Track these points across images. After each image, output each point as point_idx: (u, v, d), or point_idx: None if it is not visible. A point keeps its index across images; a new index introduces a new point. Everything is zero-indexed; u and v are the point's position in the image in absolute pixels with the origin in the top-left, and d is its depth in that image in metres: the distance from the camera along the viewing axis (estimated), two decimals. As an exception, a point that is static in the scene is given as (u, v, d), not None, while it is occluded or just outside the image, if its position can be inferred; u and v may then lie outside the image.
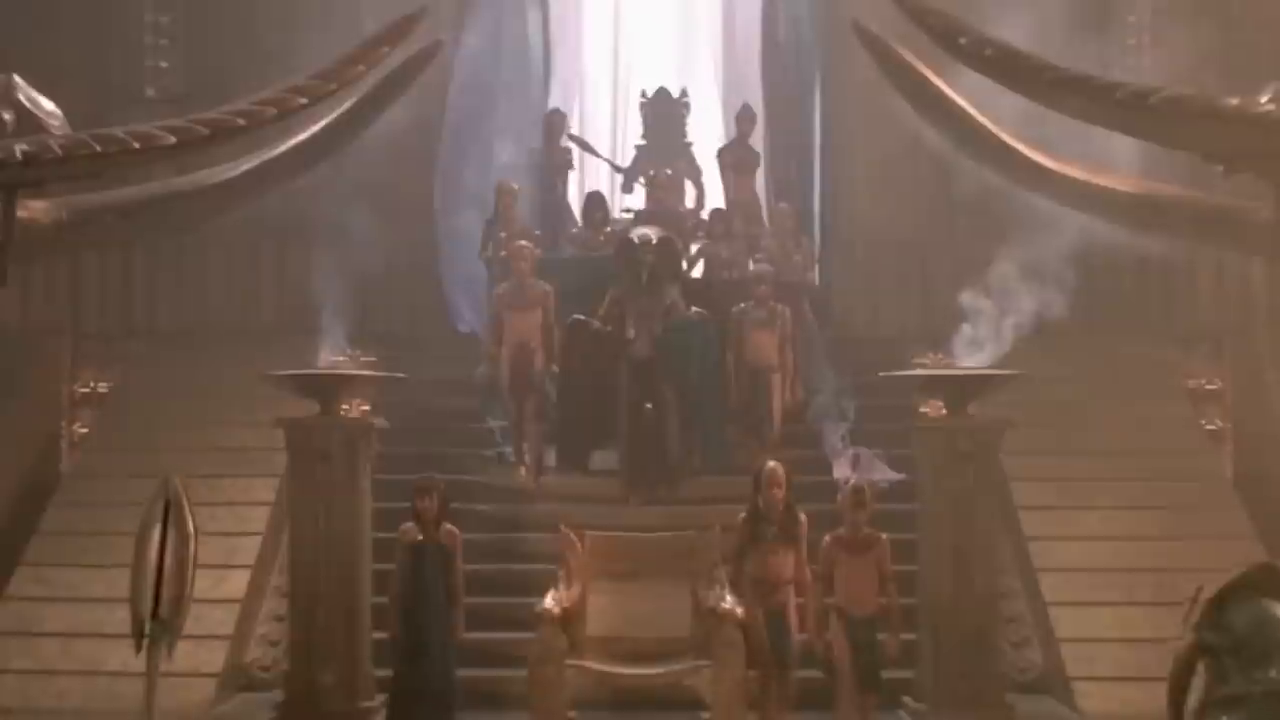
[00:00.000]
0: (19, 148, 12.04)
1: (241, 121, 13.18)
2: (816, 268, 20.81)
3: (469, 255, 20.48)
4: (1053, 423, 17.59)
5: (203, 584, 15.42)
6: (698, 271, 20.16)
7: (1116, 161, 14.84)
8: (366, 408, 16.70)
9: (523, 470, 17.92)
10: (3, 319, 18.92)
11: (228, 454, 17.56)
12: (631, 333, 17.31)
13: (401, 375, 16.48)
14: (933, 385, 15.52)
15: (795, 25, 21.92)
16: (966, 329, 15.28)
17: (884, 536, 13.60)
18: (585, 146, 22.83)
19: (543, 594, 13.33)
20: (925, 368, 17.33)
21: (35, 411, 19.76)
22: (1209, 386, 19.92)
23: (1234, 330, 20.18)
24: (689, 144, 22.55)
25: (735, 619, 12.44)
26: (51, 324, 20.38)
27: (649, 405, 17.23)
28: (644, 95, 22.82)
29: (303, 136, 15.96)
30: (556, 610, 12.58)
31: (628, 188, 22.37)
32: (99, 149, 12.27)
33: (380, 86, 16.03)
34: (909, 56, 15.95)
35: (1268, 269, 18.09)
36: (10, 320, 19.15)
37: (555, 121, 21.94)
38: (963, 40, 13.79)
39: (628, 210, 21.72)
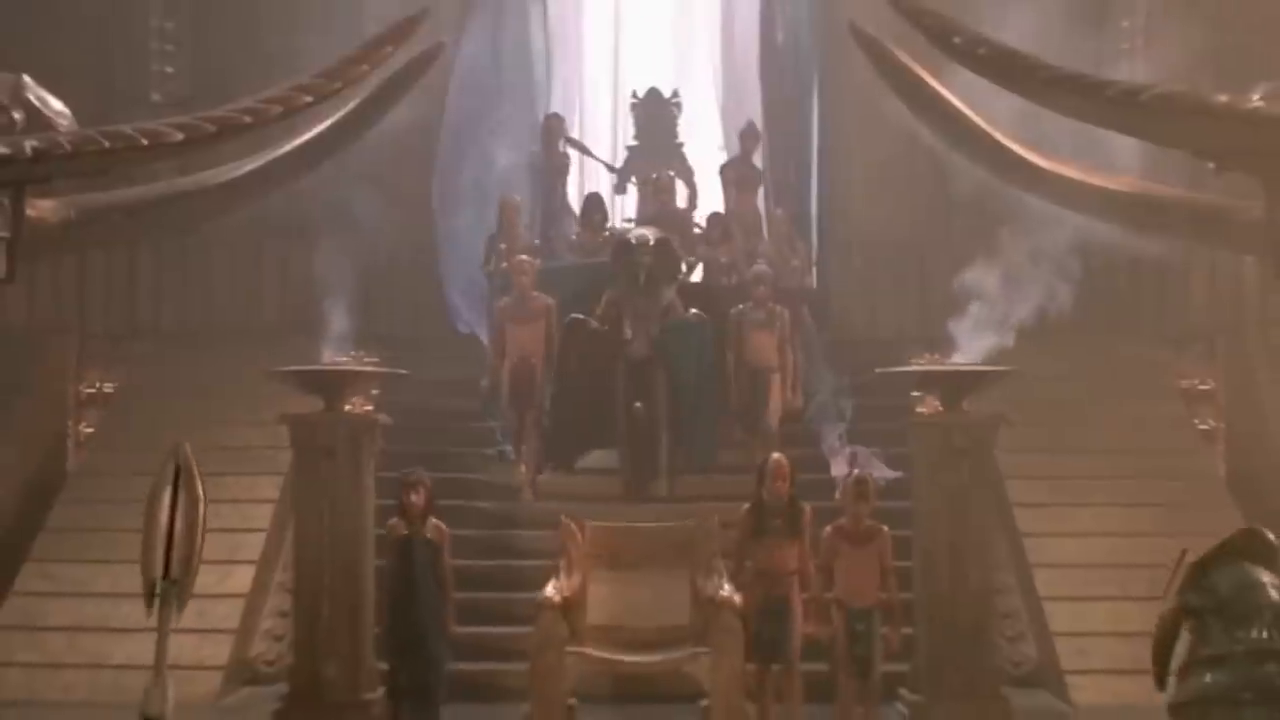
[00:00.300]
0: (28, 144, 12.22)
1: (248, 119, 13.34)
2: (814, 272, 20.93)
3: (467, 256, 20.70)
4: (1048, 421, 17.79)
5: (207, 579, 15.61)
6: (697, 275, 20.27)
7: (1115, 162, 15.03)
8: (369, 407, 16.77)
9: (524, 483, 18.10)
10: (10, 319, 19.12)
11: (232, 452, 17.68)
12: (629, 333, 17.49)
13: (404, 371, 16.62)
14: (928, 381, 15.60)
15: (793, 29, 22.06)
16: (962, 326, 15.46)
17: (886, 529, 13.77)
18: (581, 148, 22.97)
19: (541, 588, 13.41)
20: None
21: (42, 411, 19.89)
22: (1202, 387, 20.07)
23: (1226, 331, 20.37)
24: (680, 144, 22.74)
25: (734, 607, 12.55)
26: (58, 324, 20.59)
27: (638, 404, 17.38)
28: (635, 96, 23.07)
29: (306, 136, 16.12)
30: (557, 599, 12.69)
31: (620, 188, 22.65)
32: (107, 145, 12.43)
33: (383, 87, 16.19)
34: (905, 58, 16.12)
35: (1260, 270, 18.20)
36: (17, 320, 19.35)
37: (554, 125, 22.06)
38: (957, 39, 13.95)
39: (630, 220, 21.85)
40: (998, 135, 15.61)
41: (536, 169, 21.73)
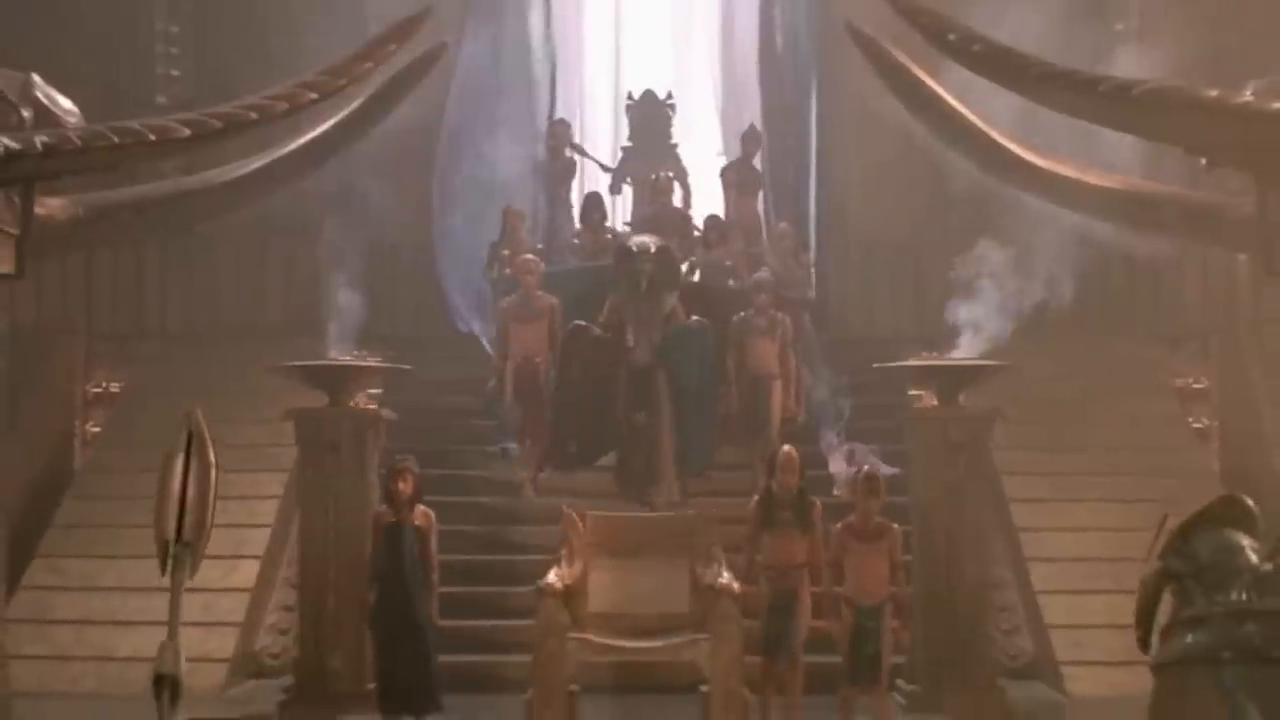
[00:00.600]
0: (39, 139, 12.38)
1: (253, 115, 13.54)
2: (814, 278, 20.99)
3: (466, 256, 20.86)
4: (1044, 419, 17.94)
5: (213, 574, 15.98)
6: (694, 276, 20.36)
7: (1114, 161, 15.22)
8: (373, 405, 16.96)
9: (526, 480, 18.27)
10: (18, 319, 19.26)
11: (237, 450, 17.72)
12: (631, 340, 17.50)
13: (408, 367, 16.78)
14: (925, 376, 15.75)
15: (792, 34, 22.23)
16: (958, 324, 15.64)
17: (896, 526, 13.70)
18: (580, 151, 23.04)
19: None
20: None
21: (49, 410, 20.06)
22: (1196, 385, 20.25)
23: (1220, 331, 20.52)
24: (674, 145, 22.81)
25: (733, 594, 12.64)
26: (65, 324, 20.72)
27: (640, 414, 17.48)
28: (630, 97, 23.15)
29: (311, 135, 16.32)
30: (559, 586, 12.79)
31: (615, 188, 22.73)
32: (116, 140, 12.63)
33: (386, 86, 16.41)
34: (902, 58, 16.31)
35: (1253, 270, 18.36)
36: (25, 320, 19.49)
37: (559, 131, 22.22)
38: (952, 37, 14.17)
39: (628, 224, 22.00)
40: (994, 134, 15.81)
41: (540, 174, 21.89)
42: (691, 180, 22.51)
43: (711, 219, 21.20)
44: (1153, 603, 6.65)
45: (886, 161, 20.58)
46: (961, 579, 14.63)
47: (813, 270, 20.72)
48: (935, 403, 15.47)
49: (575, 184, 22.78)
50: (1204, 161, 14.05)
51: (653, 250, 17.68)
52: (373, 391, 16.73)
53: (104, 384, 20.86)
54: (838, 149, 21.71)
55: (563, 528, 13.97)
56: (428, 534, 14.05)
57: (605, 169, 23.15)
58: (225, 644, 16.20)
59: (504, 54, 22.29)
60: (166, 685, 5.21)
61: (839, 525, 13.70)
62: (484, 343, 20.25)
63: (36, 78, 13.68)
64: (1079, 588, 16.12)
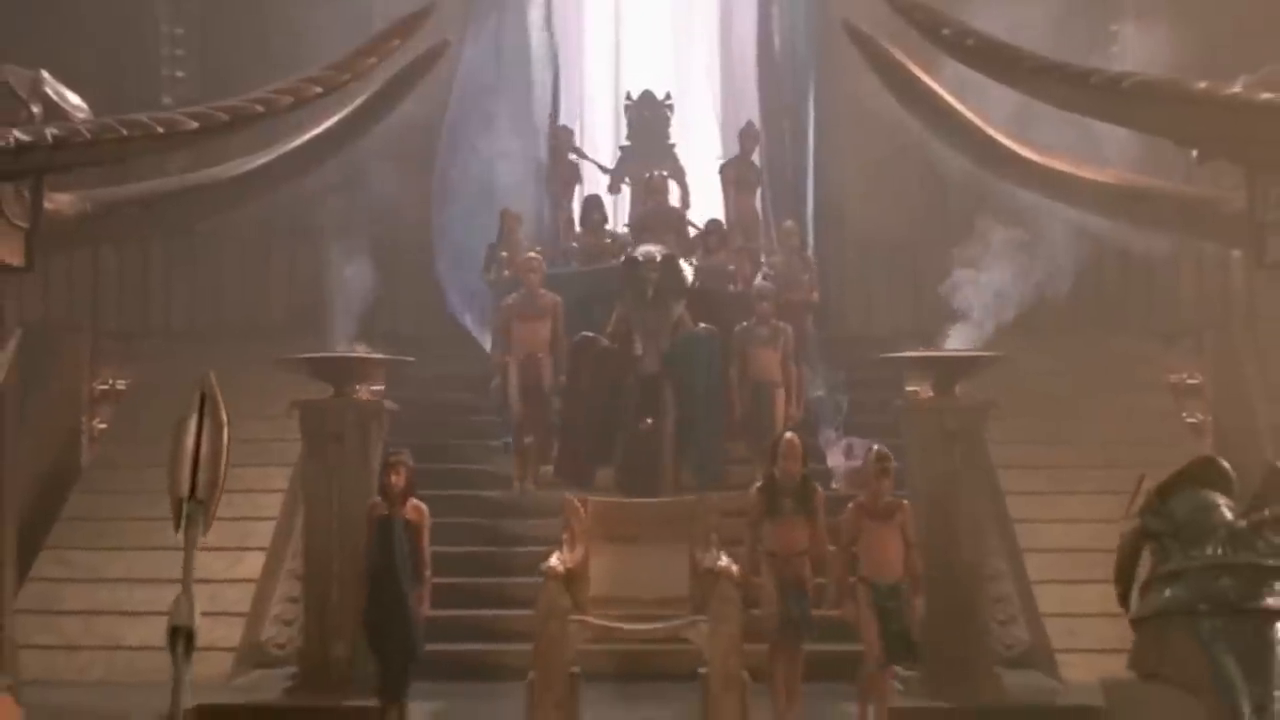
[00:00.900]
0: (49, 131, 12.60)
1: (259, 109, 13.73)
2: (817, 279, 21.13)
3: (465, 253, 21.02)
4: (1040, 414, 18.17)
5: (219, 565, 16.23)
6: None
7: (1113, 160, 15.41)
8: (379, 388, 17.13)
9: (527, 477, 18.41)
10: (26, 317, 19.41)
11: (242, 445, 17.64)
12: (639, 349, 17.69)
13: (410, 359, 16.94)
14: (921, 367, 15.91)
15: (790, 35, 22.40)
16: (956, 320, 15.81)
17: (906, 503, 13.83)
18: (580, 154, 23.18)
19: (539, 576, 13.45)
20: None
21: (57, 407, 20.17)
22: (1190, 381, 20.38)
23: (1214, 327, 20.70)
24: (672, 145, 22.94)
25: (731, 576, 12.73)
26: (72, 322, 20.91)
27: (648, 420, 17.63)
28: (629, 98, 23.28)
29: (314, 132, 16.49)
30: (561, 569, 12.90)
31: (614, 188, 22.87)
32: (125, 133, 12.84)
33: (390, 83, 16.56)
34: (899, 55, 16.49)
35: (1247, 267, 18.53)
36: (33, 318, 19.62)
37: (562, 137, 22.41)
38: (946, 31, 14.35)
39: (626, 227, 22.15)
40: (988, 130, 15.99)
41: (542, 178, 22.10)
42: (690, 180, 22.63)
43: (712, 223, 21.35)
44: (1131, 560, 6.87)
45: (884, 160, 20.76)
46: (957, 567, 14.74)
47: (813, 263, 20.83)
48: (931, 393, 15.62)
49: (578, 192, 22.94)
50: (1195, 154, 14.28)
51: (659, 259, 17.83)
52: (375, 388, 16.91)
53: (110, 381, 21.05)
54: (835, 148, 21.89)
55: (564, 514, 14.07)
56: (420, 527, 14.10)
57: (604, 170, 23.24)
58: (231, 634, 16.37)
59: (505, 52, 22.45)
60: (181, 637, 5.40)
61: (850, 505, 13.81)
62: (480, 340, 20.40)
63: (46, 74, 13.91)
64: (1073, 577, 16.23)
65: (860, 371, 19.01)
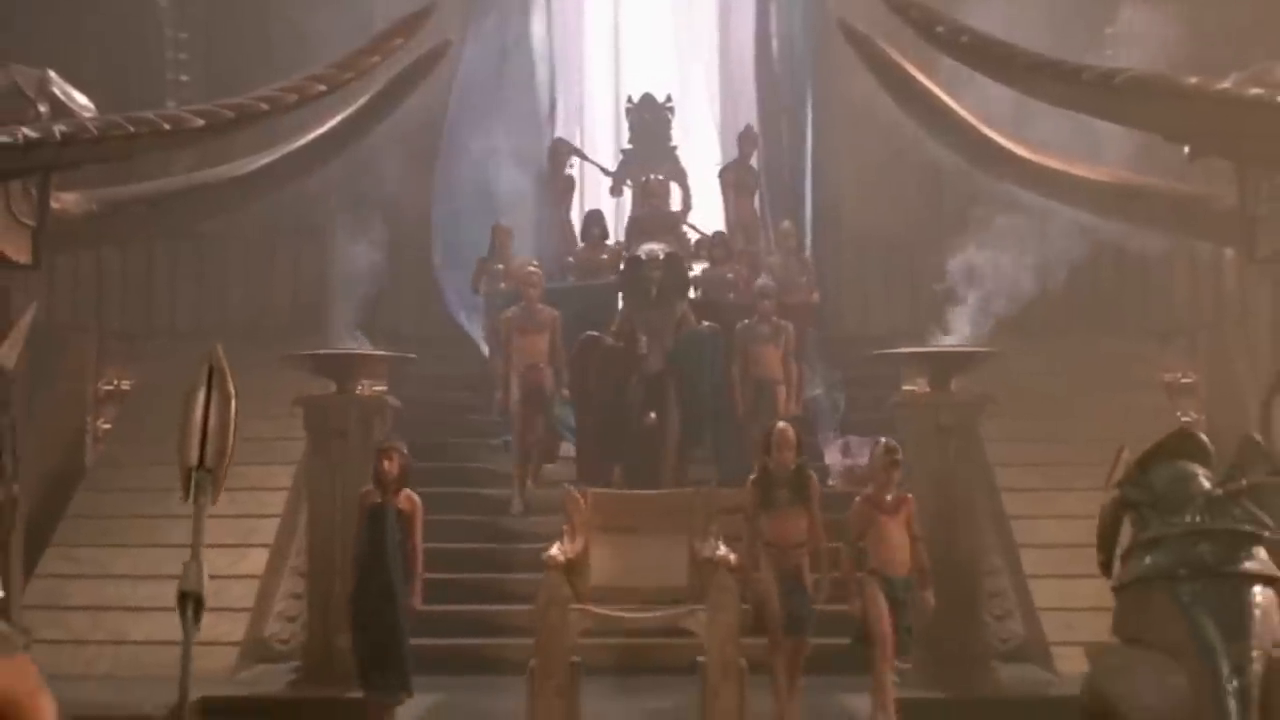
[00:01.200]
0: (57, 128, 12.80)
1: (264, 106, 13.94)
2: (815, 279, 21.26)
3: (461, 250, 21.16)
4: (1035, 413, 18.31)
5: (224, 561, 16.39)
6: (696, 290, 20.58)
7: (1115, 158, 15.60)
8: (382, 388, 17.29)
9: (517, 499, 18.47)
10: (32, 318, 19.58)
11: (246, 443, 17.84)
12: (643, 348, 17.87)
13: (412, 356, 17.11)
14: (917, 363, 16.05)
15: (788, 38, 22.55)
16: (952, 319, 15.97)
17: (911, 496, 13.81)
18: (581, 155, 23.46)
19: (539, 571, 13.48)
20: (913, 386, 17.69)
21: (62, 407, 20.32)
22: (1184, 380, 20.51)
23: (1208, 326, 20.87)
24: (674, 148, 23.15)
25: (729, 565, 12.75)
26: (77, 323, 21.03)
27: (652, 415, 17.80)
28: (630, 101, 23.49)
29: (317, 132, 16.68)
30: (561, 558, 12.96)
31: (616, 191, 23.09)
32: (132, 130, 13.03)
33: (391, 83, 16.76)
34: (894, 54, 16.68)
35: (1240, 266, 18.69)
36: (38, 319, 19.68)
37: (560, 149, 22.60)
38: (940, 29, 14.53)
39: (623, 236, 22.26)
40: (983, 128, 16.18)
41: (542, 189, 22.25)
42: (690, 183, 22.85)
43: (717, 235, 21.60)
44: (1112, 530, 7.04)
45: (881, 161, 20.90)
46: (953, 561, 14.84)
47: (810, 265, 20.95)
48: (926, 389, 15.77)
49: (575, 204, 23.15)
50: (1186, 151, 14.46)
51: (661, 257, 17.99)
52: (377, 387, 17.07)
53: (115, 381, 21.18)
54: (833, 149, 22.05)
55: (564, 505, 14.18)
56: (413, 518, 14.03)
57: (606, 173, 23.47)
58: (236, 628, 16.56)
59: (505, 54, 22.58)
60: (190, 601, 5.58)
61: (859, 499, 13.74)
62: (477, 340, 20.61)
63: (52, 74, 14.11)
64: (1068, 572, 16.31)
65: (857, 370, 19.20)
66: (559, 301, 18.96)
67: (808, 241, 21.49)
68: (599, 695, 14.21)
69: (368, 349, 16.48)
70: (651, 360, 17.85)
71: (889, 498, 13.60)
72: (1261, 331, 19.51)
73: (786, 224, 20.93)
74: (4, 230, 14.06)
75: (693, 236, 21.90)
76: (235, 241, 21.04)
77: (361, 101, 16.95)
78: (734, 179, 22.18)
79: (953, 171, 19.05)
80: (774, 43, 22.57)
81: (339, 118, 16.83)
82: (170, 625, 14.39)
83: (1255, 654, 6.06)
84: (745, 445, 17.49)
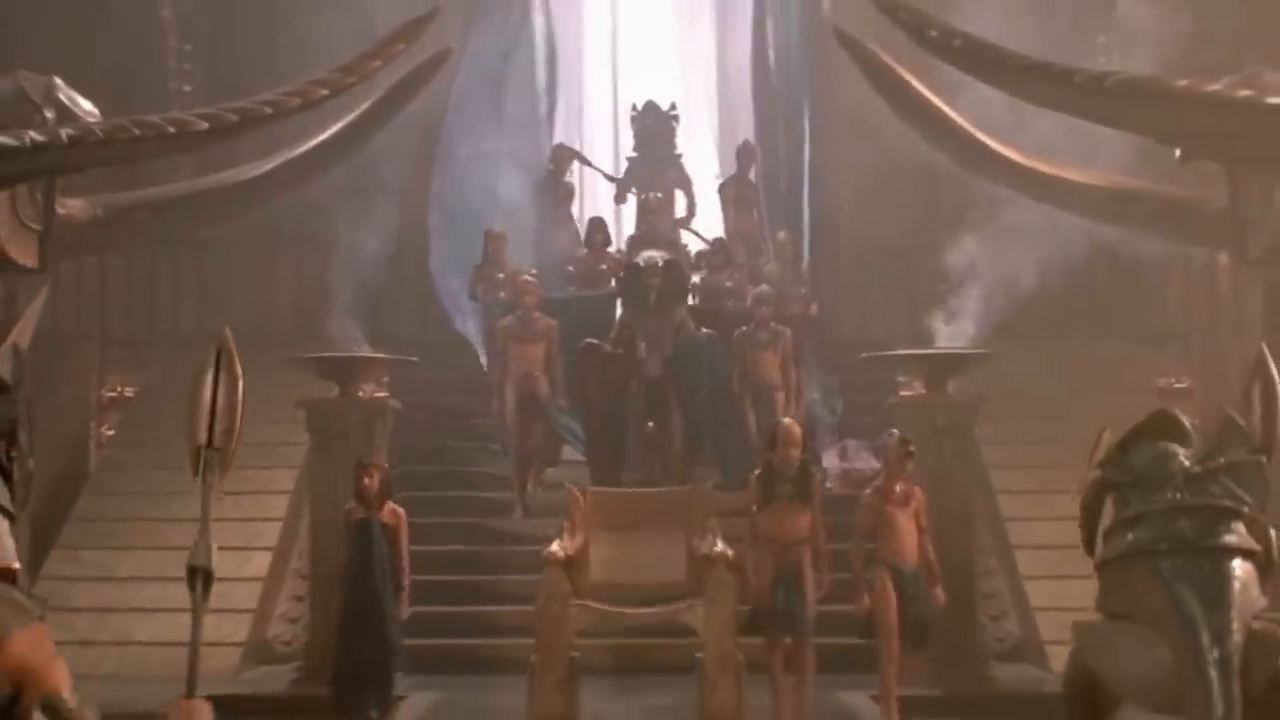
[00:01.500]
0: (64, 131, 12.96)
1: (268, 110, 14.10)
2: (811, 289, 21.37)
3: (458, 263, 21.22)
4: (1031, 416, 18.40)
5: (228, 563, 16.25)
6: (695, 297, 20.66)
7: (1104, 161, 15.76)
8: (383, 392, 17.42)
9: (518, 508, 18.56)
10: (35, 324, 19.70)
11: (249, 448, 17.88)
12: (643, 354, 17.95)
13: (414, 359, 17.26)
14: (913, 365, 16.22)
15: (784, 50, 22.65)
16: (948, 323, 16.14)
17: (918, 489, 13.84)
18: (584, 161, 23.58)
19: (538, 573, 13.63)
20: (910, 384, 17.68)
21: (66, 413, 20.39)
22: (1178, 385, 20.64)
23: (1201, 331, 21.00)
24: (679, 155, 23.16)
25: (727, 560, 12.91)
26: (80, 330, 21.13)
27: (650, 424, 17.94)
28: (635, 108, 23.43)
29: (320, 138, 16.84)
30: (561, 554, 13.12)
31: (620, 198, 23.17)
32: (137, 133, 13.18)
33: (393, 89, 16.91)
34: (888, 59, 16.85)
35: (1234, 271, 18.82)
36: (42, 326, 19.77)
37: (562, 155, 22.70)
38: (933, 33, 14.69)
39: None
40: (976, 132, 16.35)
41: (543, 196, 22.27)
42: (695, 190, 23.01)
43: (716, 242, 21.68)
44: (1095, 509, 7.19)
45: (877, 168, 21.00)
46: (950, 561, 14.77)
47: (806, 276, 21.08)
48: (922, 391, 15.92)
49: (577, 209, 23.25)
50: (1178, 154, 14.62)
51: (660, 264, 18.11)
52: (379, 395, 17.22)
53: (118, 388, 21.36)
54: (830, 156, 22.13)
55: (565, 503, 14.35)
56: (398, 531, 14.16)
57: (610, 179, 23.59)
58: (239, 629, 16.72)
59: (504, 60, 22.64)
60: (199, 576, 5.73)
61: (869, 491, 13.78)
62: (476, 346, 20.75)
63: (58, 80, 14.28)
64: (1063, 572, 16.46)
65: (854, 375, 19.30)
66: (558, 311, 19.07)
67: (805, 249, 21.52)
68: (599, 694, 14.37)
69: (369, 352, 16.59)
70: (650, 367, 17.94)
71: (899, 489, 13.64)
72: (1254, 335, 19.62)
73: (783, 234, 21.04)
74: (11, 234, 14.24)
75: (696, 245, 21.96)
76: (237, 248, 21.17)
77: (363, 108, 17.10)
78: (734, 194, 22.32)
79: (948, 178, 19.22)
80: (771, 53, 22.66)
81: (340, 124, 16.97)
82: (174, 626, 14.73)
83: (1235, 625, 6.21)
84: (747, 451, 17.72)
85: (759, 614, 13.33)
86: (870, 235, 21.78)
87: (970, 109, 17.00)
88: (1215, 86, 13.21)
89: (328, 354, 16.19)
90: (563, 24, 23.87)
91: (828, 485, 17.67)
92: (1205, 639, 6.19)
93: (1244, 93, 13.08)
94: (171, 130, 13.32)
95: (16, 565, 4.51)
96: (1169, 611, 6.36)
